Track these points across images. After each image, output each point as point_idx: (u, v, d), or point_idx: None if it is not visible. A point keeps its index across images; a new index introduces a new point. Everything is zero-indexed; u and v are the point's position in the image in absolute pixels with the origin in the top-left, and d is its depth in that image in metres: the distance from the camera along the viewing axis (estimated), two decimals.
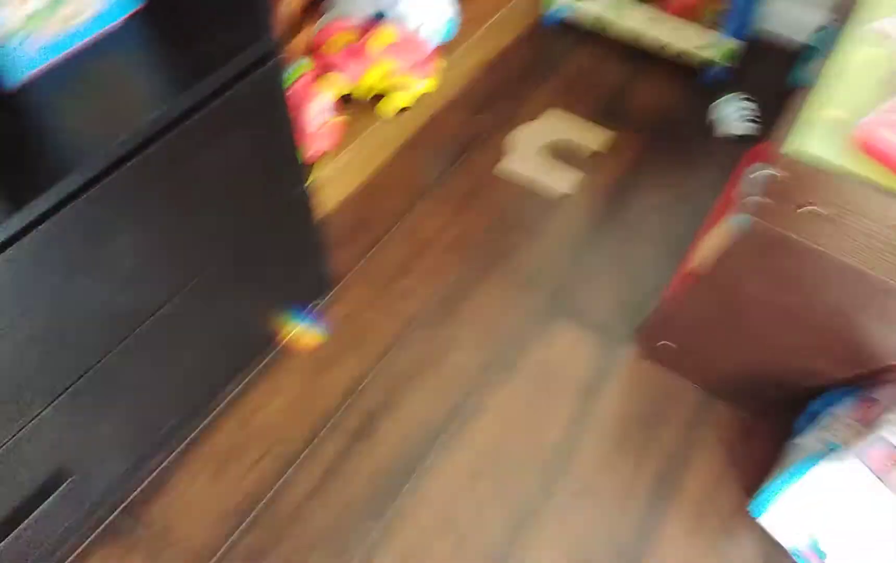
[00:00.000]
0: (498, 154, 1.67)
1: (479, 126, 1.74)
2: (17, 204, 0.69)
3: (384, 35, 1.48)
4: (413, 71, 1.52)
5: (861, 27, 1.02)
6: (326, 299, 1.39)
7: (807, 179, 0.88)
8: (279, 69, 0.93)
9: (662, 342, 1.25)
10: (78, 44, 0.86)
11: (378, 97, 1.56)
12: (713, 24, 1.75)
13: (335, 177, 1.48)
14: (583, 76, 1.87)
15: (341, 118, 1.49)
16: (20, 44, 0.80)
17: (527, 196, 1.58)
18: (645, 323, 1.30)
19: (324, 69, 1.47)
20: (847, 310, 0.91)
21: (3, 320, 0.74)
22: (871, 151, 0.86)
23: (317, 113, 1.37)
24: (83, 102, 0.81)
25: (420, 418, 1.23)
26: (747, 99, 1.71)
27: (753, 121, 1.68)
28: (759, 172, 0.92)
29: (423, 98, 1.62)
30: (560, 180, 1.60)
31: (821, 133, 0.90)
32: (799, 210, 0.86)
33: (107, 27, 0.89)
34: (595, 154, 1.67)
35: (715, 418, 1.24)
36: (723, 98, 1.72)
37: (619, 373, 1.29)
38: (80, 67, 0.84)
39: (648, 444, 1.20)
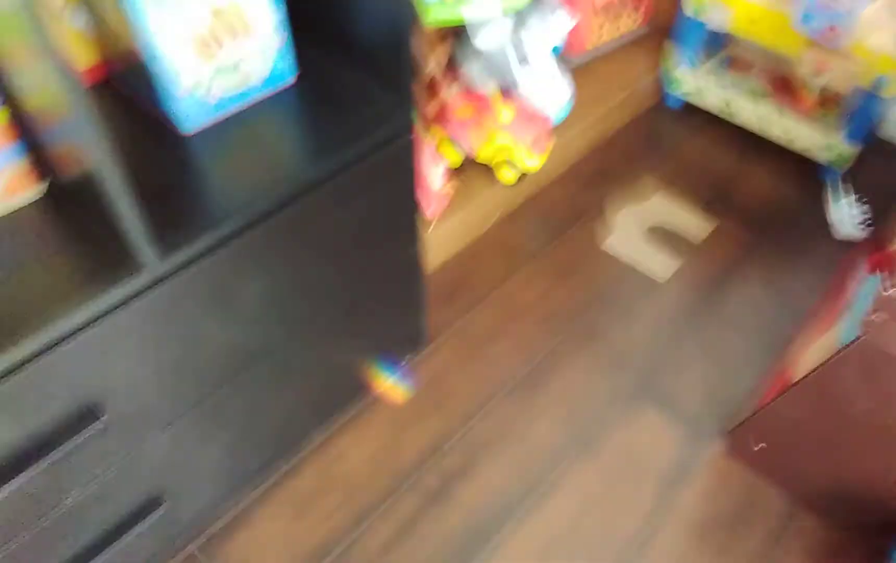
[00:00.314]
0: (601, 232, 1.69)
1: (585, 202, 1.77)
2: (173, 247, 0.76)
3: (506, 110, 1.54)
4: (528, 147, 1.57)
5: None
6: (418, 356, 1.42)
7: None
8: (413, 142, 0.99)
9: (753, 444, 1.22)
10: (243, 103, 0.95)
11: (489, 166, 1.62)
12: (836, 125, 1.75)
13: (441, 239, 1.53)
14: (695, 162, 1.89)
15: (453, 184, 1.55)
16: (204, 95, 0.89)
17: (625, 276, 1.59)
18: (736, 421, 1.28)
19: (445, 137, 1.55)
20: None
21: (140, 351, 0.81)
22: None
23: (434, 178, 1.44)
24: (241, 156, 0.89)
25: (497, 488, 1.24)
26: (861, 201, 1.69)
27: (866, 224, 1.65)
28: (873, 283, 0.90)
29: (527, 175, 1.67)
30: (660, 264, 1.61)
31: None
32: None
33: (266, 92, 0.97)
34: (698, 242, 1.67)
35: (803, 531, 1.19)
36: (839, 199, 1.71)
37: (703, 468, 1.27)
38: (241, 125, 0.93)
39: (729, 548, 1.17)
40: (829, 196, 1.72)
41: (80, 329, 0.73)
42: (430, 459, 1.27)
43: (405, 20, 0.91)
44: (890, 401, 0.93)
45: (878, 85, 1.55)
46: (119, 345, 0.78)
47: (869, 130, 1.73)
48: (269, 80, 0.96)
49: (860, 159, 1.81)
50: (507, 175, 1.61)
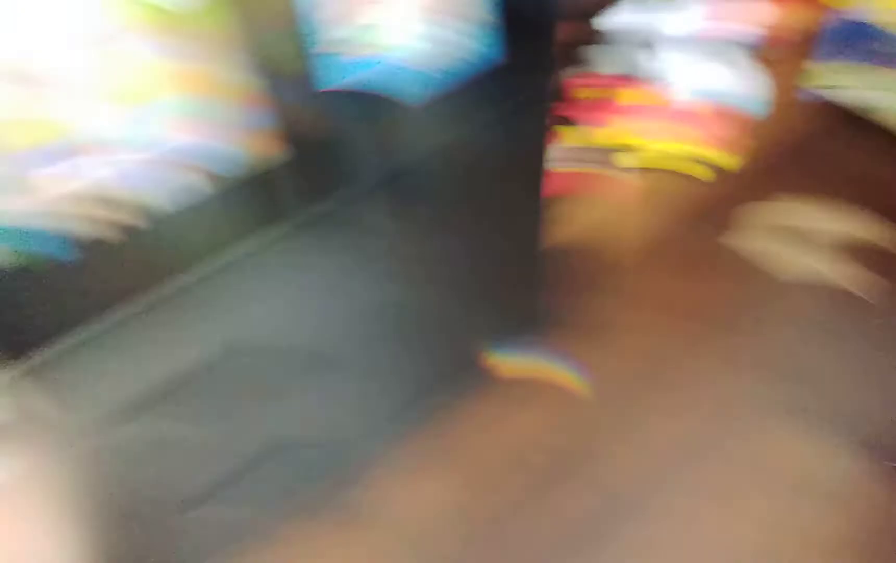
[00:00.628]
0: (737, 229, 1.61)
1: (723, 197, 1.69)
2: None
3: (631, 94, 1.51)
4: (659, 134, 1.53)
5: None
6: (540, 335, 1.41)
7: None
8: (547, 110, 1.01)
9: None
10: (375, 72, 0.97)
11: (622, 151, 1.59)
12: None
13: (569, 222, 1.52)
14: (846, 165, 1.74)
15: (583, 167, 1.54)
16: (341, 56, 0.92)
17: (764, 278, 1.50)
18: (881, 442, 1.16)
19: (568, 118, 1.53)
20: None
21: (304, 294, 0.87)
22: None
23: (559, 158, 1.43)
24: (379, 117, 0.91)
25: (611, 482, 1.22)
26: None
27: None
28: None
29: (662, 160, 1.62)
30: (806, 267, 1.51)
31: None
32: None
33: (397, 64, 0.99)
34: (854, 248, 1.54)
35: None
36: None
37: (838, 486, 1.18)
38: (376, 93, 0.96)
39: None
40: None
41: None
42: (545, 438, 1.27)
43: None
44: None
45: None
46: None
47: None
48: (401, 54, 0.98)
49: None
50: (641, 160, 1.56)
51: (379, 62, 0.96)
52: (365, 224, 0.90)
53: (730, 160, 1.74)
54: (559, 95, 1.55)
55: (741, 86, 1.55)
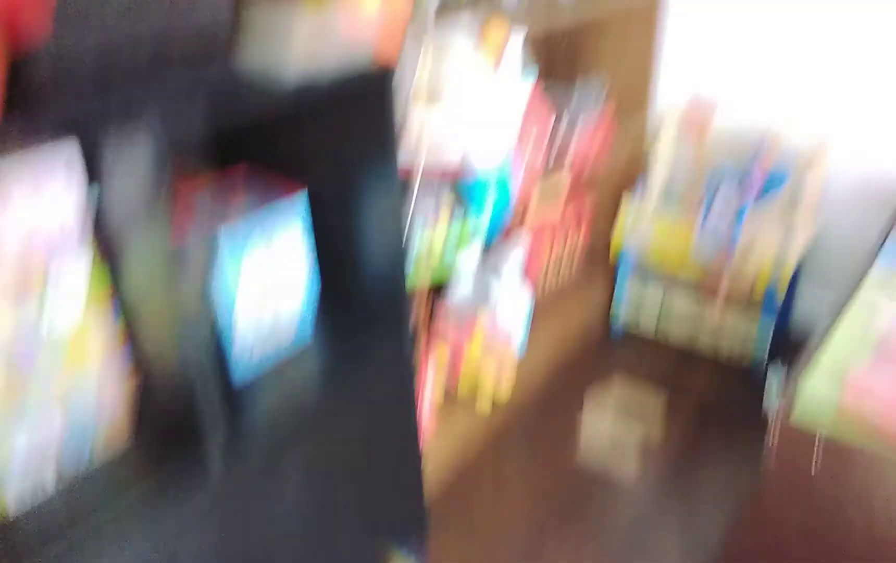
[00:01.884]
0: (572, 444, 1.85)
1: (553, 421, 1.94)
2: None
3: (476, 342, 1.73)
4: (498, 370, 1.76)
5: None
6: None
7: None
8: (411, 374, 1.23)
9: None
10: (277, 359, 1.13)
11: (469, 392, 1.79)
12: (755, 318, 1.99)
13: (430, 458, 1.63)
14: (642, 374, 2.10)
15: (437, 412, 1.69)
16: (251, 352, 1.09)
17: (599, 481, 1.73)
18: None
19: (430, 369, 1.70)
20: None
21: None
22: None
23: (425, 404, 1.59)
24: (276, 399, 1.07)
25: None
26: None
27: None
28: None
29: (504, 394, 1.84)
30: (627, 463, 1.77)
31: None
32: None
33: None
34: (656, 440, 1.84)
35: None
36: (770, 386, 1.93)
37: None
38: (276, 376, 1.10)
39: None
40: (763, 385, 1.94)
41: None
42: None
43: (401, 282, 1.15)
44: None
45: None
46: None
47: (787, 316, 1.99)
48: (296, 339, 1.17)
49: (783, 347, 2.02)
50: (483, 399, 1.78)
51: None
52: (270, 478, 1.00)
53: (553, 391, 2.04)
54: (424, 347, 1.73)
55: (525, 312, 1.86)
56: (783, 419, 1.03)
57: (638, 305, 2.20)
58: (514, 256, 1.80)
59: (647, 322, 2.21)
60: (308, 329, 1.18)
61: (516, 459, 1.82)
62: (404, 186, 1.17)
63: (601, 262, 2.25)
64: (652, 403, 1.97)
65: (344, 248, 1.20)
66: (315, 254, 1.20)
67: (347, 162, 1.12)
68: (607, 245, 2.19)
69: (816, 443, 1.00)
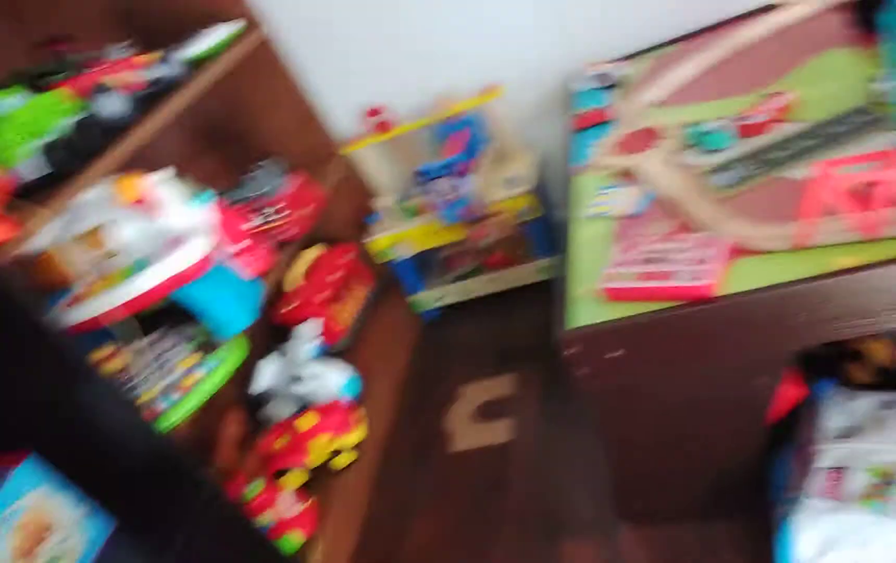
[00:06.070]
0: (446, 443, 1.83)
1: (419, 432, 1.91)
2: None
3: (308, 418, 1.70)
4: (342, 431, 1.72)
5: (578, 216, 1.27)
6: None
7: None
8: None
9: (637, 504, 1.34)
10: None
11: (326, 464, 1.73)
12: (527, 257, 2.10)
13: (327, 545, 1.57)
14: (472, 342, 2.14)
15: (310, 501, 1.63)
16: None
17: (484, 460, 1.72)
18: (617, 499, 1.38)
19: (277, 472, 1.65)
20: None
21: None
22: (616, 296, 1.04)
23: (287, 507, 1.53)
24: None
25: None
26: None
27: None
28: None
29: (361, 445, 1.80)
30: (500, 433, 1.77)
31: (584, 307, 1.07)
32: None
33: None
34: (513, 397, 1.86)
35: (721, 540, 1.26)
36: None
37: (629, 557, 1.33)
38: None
39: None
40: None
41: None
42: None
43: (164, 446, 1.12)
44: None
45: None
46: None
47: (554, 243, 2.02)
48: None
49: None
50: (341, 462, 1.74)
51: None
52: None
53: (408, 405, 2.02)
54: (255, 468, 1.67)
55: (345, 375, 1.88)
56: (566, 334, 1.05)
57: (433, 289, 2.26)
58: (306, 335, 1.84)
59: (451, 295, 2.25)
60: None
61: (403, 489, 1.79)
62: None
63: (386, 281, 2.29)
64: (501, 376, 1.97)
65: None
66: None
67: None
68: (379, 268, 2.25)
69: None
